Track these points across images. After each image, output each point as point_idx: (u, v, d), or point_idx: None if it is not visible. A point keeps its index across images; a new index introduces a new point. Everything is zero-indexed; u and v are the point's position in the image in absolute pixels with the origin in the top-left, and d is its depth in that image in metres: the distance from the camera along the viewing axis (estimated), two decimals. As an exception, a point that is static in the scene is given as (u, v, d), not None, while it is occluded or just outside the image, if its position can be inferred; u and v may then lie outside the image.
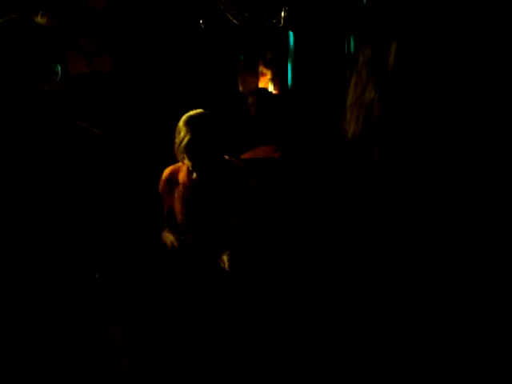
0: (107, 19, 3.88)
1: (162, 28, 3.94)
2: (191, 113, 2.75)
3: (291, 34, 3.87)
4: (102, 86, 3.90)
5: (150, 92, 3.99)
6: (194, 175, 2.78)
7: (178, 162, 2.84)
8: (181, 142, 2.69)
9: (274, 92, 4.23)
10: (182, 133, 2.69)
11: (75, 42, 3.85)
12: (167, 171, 2.89)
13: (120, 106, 3.93)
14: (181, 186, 2.81)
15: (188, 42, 4.01)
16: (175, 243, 2.76)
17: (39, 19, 1.85)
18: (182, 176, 2.83)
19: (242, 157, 3.43)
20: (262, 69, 4.25)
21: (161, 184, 2.89)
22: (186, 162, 2.74)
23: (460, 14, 0.79)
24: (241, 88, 4.30)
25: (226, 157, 2.82)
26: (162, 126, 3.95)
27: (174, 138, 2.74)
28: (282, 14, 3.59)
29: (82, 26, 3.85)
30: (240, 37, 4.01)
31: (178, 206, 2.82)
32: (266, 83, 4.25)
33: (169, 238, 2.82)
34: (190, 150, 2.68)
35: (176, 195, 2.82)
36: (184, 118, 2.74)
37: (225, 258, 2.70)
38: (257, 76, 4.26)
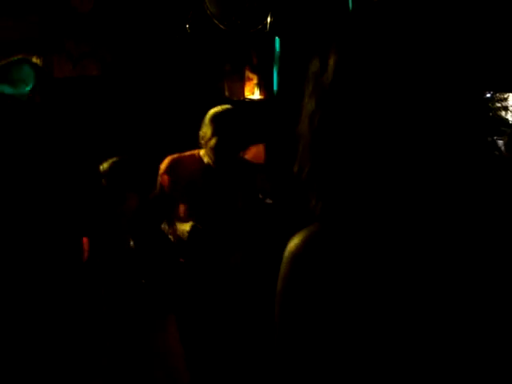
0: (93, 22, 3.87)
1: (148, 32, 3.94)
2: (218, 110, 2.77)
3: (277, 39, 3.89)
4: (88, 90, 3.89)
5: (136, 96, 3.99)
6: (207, 166, 2.79)
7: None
8: (207, 141, 2.72)
9: (260, 97, 4.25)
10: (208, 132, 2.71)
11: (61, 45, 3.84)
12: (173, 157, 2.86)
13: (105, 109, 3.92)
14: (189, 176, 2.80)
15: (174, 47, 4.01)
16: (185, 234, 2.73)
17: (35, 60, 1.90)
18: (191, 167, 2.82)
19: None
20: (248, 74, 4.26)
21: (163, 169, 2.85)
22: (204, 153, 2.77)
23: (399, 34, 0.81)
24: (227, 93, 4.31)
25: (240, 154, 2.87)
26: (149, 129, 3.95)
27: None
28: (268, 19, 3.61)
29: (68, 29, 3.84)
30: (226, 42, 4.02)
31: (183, 196, 2.79)
32: (252, 88, 4.26)
33: (183, 226, 2.78)
34: (218, 150, 2.71)
35: (180, 184, 2.81)
36: (211, 114, 2.76)
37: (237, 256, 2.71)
38: (243, 81, 4.27)
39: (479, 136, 0.81)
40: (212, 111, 2.77)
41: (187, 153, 2.86)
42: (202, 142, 2.75)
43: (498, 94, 3.16)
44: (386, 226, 0.78)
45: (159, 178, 2.85)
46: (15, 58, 1.86)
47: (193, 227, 2.71)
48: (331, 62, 0.80)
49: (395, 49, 0.78)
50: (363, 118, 0.77)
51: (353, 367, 0.77)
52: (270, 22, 3.62)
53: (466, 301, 0.74)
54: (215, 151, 2.72)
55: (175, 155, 2.86)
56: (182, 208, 2.79)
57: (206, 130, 2.73)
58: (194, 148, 2.86)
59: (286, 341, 0.82)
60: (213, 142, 2.70)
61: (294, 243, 0.83)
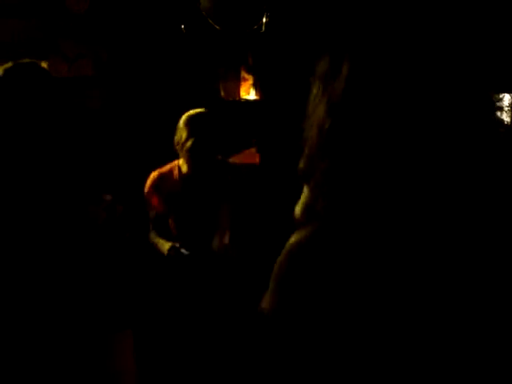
0: (89, 23, 3.86)
1: (143, 33, 3.94)
2: (192, 113, 2.75)
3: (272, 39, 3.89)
4: (83, 90, 3.88)
5: (131, 97, 3.98)
6: (186, 177, 2.77)
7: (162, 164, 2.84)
8: (183, 143, 2.69)
9: (255, 97, 4.25)
10: (183, 134, 2.68)
11: (56, 46, 3.82)
12: (154, 175, 2.85)
13: (101, 110, 3.91)
14: (171, 190, 2.79)
15: (169, 47, 4.00)
16: (171, 251, 2.71)
17: (43, 64, 1.87)
18: (172, 179, 2.81)
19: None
20: (243, 74, 4.25)
21: (147, 188, 2.85)
22: (183, 161, 2.75)
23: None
24: (222, 93, 4.31)
25: (219, 157, 2.84)
26: (142, 133, 3.94)
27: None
28: (264, 19, 3.61)
29: (63, 30, 3.83)
30: (222, 42, 4.02)
31: (167, 210, 2.79)
32: (248, 89, 4.26)
33: (164, 246, 2.77)
34: (194, 152, 2.68)
35: (166, 199, 2.80)
36: (185, 118, 2.73)
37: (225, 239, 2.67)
38: (238, 81, 4.27)
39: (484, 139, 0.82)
40: (186, 115, 2.75)
41: (167, 166, 2.85)
42: (178, 147, 2.72)
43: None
44: (389, 229, 0.78)
45: (146, 199, 2.85)
46: (25, 61, 1.83)
47: (170, 249, 2.70)
48: (344, 69, 0.80)
49: (408, 57, 0.78)
50: (376, 127, 0.77)
51: (344, 360, 0.77)
52: (266, 22, 3.62)
53: (465, 302, 0.74)
54: (191, 154, 2.68)
55: (156, 172, 2.86)
56: (170, 222, 2.79)
57: (181, 133, 2.70)
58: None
59: (279, 330, 0.82)
60: (189, 143, 2.66)
61: (295, 238, 0.83)
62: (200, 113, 2.75)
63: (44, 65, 1.89)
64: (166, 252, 2.73)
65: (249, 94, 4.26)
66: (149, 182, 2.85)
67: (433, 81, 0.79)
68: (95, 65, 3.95)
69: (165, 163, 2.92)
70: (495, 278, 0.77)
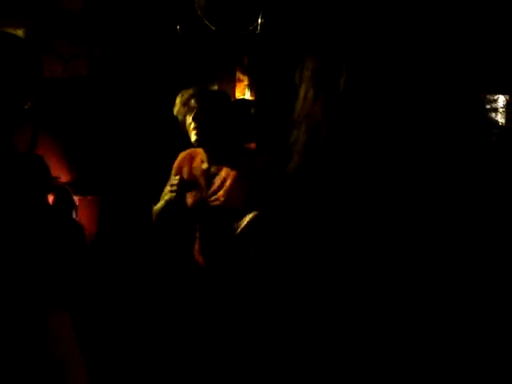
0: (83, 22, 3.85)
1: (139, 32, 3.94)
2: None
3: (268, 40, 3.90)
4: (77, 90, 3.88)
5: (125, 98, 3.97)
6: (205, 164, 2.77)
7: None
8: (181, 103, 2.72)
9: (250, 98, 4.25)
10: (178, 100, 2.75)
11: (50, 45, 3.81)
12: (183, 153, 2.89)
13: (94, 112, 3.91)
14: (192, 171, 2.81)
15: (165, 48, 4.00)
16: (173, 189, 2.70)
17: (17, 32, 1.84)
18: (195, 162, 2.82)
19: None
20: (239, 75, 4.26)
21: (174, 165, 2.89)
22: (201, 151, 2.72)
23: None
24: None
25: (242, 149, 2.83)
26: (138, 133, 3.94)
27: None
28: (259, 20, 3.61)
29: (58, 29, 3.82)
30: (217, 43, 4.02)
31: (187, 193, 2.81)
32: (243, 89, 4.26)
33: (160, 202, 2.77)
34: (187, 100, 2.71)
35: (189, 182, 2.82)
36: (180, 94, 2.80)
37: (246, 219, 2.58)
38: (234, 82, 4.27)
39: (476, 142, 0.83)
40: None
41: (198, 149, 2.84)
42: (182, 123, 2.75)
43: (487, 96, 3.16)
44: (382, 223, 0.79)
45: (172, 170, 2.86)
46: None
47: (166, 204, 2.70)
48: (344, 72, 0.80)
49: (406, 60, 0.78)
50: (374, 129, 0.78)
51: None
52: (261, 23, 3.62)
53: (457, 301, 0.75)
54: (187, 106, 2.70)
55: (188, 150, 2.88)
56: (187, 203, 2.79)
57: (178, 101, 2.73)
58: (182, 149, 2.85)
59: None
60: (185, 98, 2.69)
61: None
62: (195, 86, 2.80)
63: (20, 32, 1.85)
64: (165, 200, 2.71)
65: (244, 94, 4.27)
66: (177, 158, 2.89)
67: (431, 83, 0.79)
68: (90, 65, 3.94)
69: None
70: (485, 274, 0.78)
